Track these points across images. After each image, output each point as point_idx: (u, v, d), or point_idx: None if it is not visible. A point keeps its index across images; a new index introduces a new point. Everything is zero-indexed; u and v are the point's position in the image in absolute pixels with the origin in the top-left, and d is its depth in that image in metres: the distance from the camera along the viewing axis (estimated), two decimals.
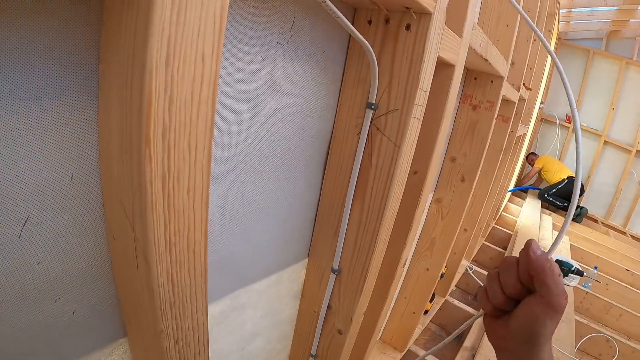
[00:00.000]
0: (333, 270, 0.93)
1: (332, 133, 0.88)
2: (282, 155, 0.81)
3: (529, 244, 0.49)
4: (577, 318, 2.86)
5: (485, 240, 3.74)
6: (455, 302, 2.66)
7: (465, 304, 2.68)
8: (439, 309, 2.57)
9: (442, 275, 2.32)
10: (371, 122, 0.79)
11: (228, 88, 0.64)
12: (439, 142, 0.98)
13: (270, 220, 0.87)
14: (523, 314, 0.49)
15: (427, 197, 1.07)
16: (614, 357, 2.75)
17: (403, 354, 2.07)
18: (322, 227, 0.95)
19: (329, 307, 1.00)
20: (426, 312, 2.38)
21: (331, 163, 0.89)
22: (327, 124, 0.88)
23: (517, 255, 0.50)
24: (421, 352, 2.18)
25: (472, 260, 3.21)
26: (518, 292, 0.50)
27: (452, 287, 2.70)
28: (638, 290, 3.57)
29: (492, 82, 1.63)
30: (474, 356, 2.18)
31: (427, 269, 1.84)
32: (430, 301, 2.41)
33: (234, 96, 0.66)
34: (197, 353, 0.57)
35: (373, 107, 0.77)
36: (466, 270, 3.01)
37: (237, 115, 0.68)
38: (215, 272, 0.81)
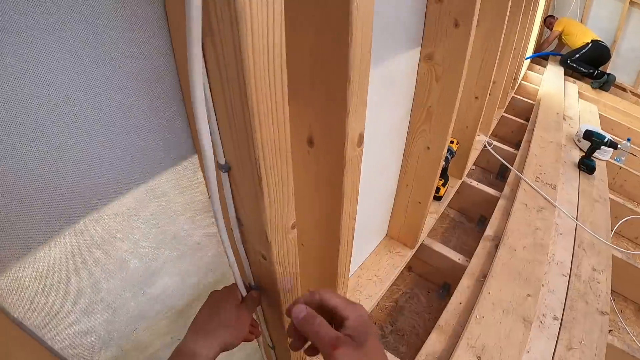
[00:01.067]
0: (221, 167, 0.54)
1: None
2: None
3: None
4: (611, 197, 2.41)
5: (504, 112, 3.22)
6: (474, 183, 2.25)
7: (487, 185, 2.27)
8: (456, 192, 2.17)
9: (452, 154, 1.89)
10: None
11: None
12: None
13: (103, 108, 0.47)
14: None
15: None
16: None
17: (415, 250, 1.72)
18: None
19: (239, 221, 0.61)
20: (440, 198, 1.99)
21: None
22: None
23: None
24: (437, 245, 1.83)
25: (490, 135, 2.74)
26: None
27: (470, 166, 2.27)
28: None
29: None
30: (497, 246, 1.81)
31: (428, 147, 1.40)
32: (444, 185, 2.01)
33: None
34: None
35: None
36: (485, 146, 2.56)
37: None
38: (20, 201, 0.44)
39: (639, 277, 1.96)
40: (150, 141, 0.56)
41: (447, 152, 1.81)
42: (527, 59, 4.33)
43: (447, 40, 1.22)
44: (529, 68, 4.70)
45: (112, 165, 0.53)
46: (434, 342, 1.44)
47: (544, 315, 1.56)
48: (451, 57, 1.25)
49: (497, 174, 2.67)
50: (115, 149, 0.52)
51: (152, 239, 0.65)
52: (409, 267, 1.91)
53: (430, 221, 1.84)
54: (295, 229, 0.62)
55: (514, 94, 3.58)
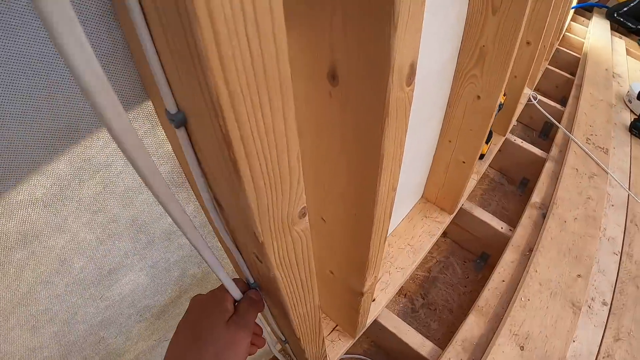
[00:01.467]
0: (172, 119, 0.29)
1: None
2: None
3: None
4: None
5: (548, 64, 2.81)
6: (518, 141, 1.93)
7: (530, 143, 1.95)
8: (498, 150, 1.86)
9: (500, 107, 1.56)
10: None
11: None
12: None
13: None
14: None
15: None
16: None
17: (453, 215, 1.46)
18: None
19: (217, 204, 0.37)
20: (482, 156, 1.69)
21: None
22: None
23: None
24: (477, 211, 1.55)
25: (534, 89, 2.38)
26: None
27: (513, 122, 1.95)
28: None
29: None
30: (545, 216, 1.51)
31: (478, 97, 1.10)
32: (487, 142, 1.69)
33: None
34: None
35: None
36: (529, 100, 2.20)
37: None
38: None
39: None
40: (67, 81, 0.32)
41: None
42: (572, 8, 3.81)
43: None
44: (572, 19, 4.18)
45: (11, 127, 0.29)
46: (472, 326, 1.20)
47: (592, 299, 1.29)
48: None
49: (541, 132, 2.33)
50: (12, 97, 0.28)
51: (99, 228, 0.42)
52: (444, 233, 1.65)
53: (471, 183, 1.56)
54: (307, 216, 0.37)
55: (558, 45, 3.14)
